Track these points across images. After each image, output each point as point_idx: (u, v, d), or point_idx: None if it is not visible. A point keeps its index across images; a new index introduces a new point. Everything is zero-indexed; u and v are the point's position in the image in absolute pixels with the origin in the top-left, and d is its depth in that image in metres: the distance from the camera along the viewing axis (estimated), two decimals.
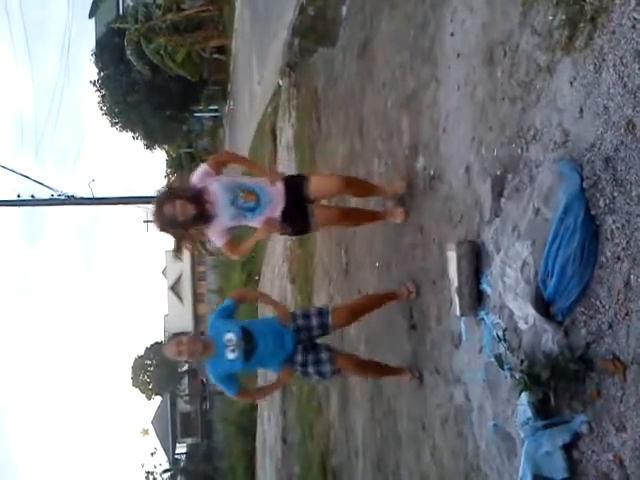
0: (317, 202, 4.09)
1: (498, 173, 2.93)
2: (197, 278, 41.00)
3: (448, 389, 3.54)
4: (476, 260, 3.13)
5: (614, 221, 2.17)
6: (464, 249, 3.16)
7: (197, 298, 41.18)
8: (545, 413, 2.43)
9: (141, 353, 40.27)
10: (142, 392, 40.32)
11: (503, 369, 2.81)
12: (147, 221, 27.99)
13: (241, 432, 18.31)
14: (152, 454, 31.29)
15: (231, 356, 3.80)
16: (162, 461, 31.76)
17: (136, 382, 39.98)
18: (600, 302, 2.23)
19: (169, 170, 36.68)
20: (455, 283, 3.21)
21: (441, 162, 3.71)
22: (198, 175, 3.84)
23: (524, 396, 2.53)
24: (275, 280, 12.52)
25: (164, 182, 35.36)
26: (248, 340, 3.82)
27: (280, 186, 3.91)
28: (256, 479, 16.17)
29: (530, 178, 2.67)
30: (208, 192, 3.77)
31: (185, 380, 39.50)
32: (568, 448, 2.32)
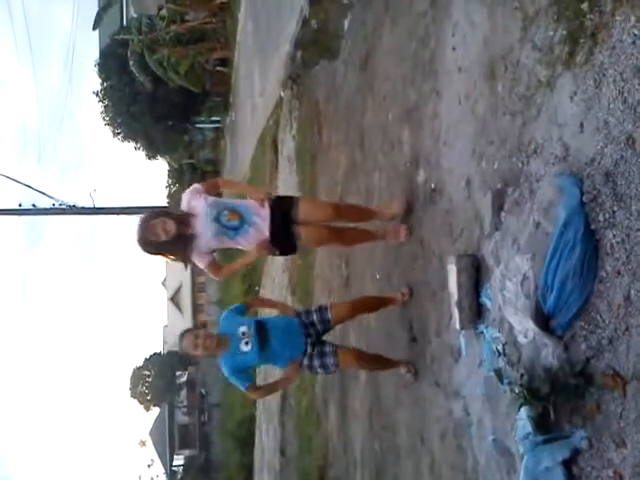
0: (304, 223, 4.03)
1: (498, 187, 2.94)
2: (197, 289, 40.95)
3: (447, 403, 3.53)
4: (476, 274, 3.13)
5: (614, 235, 2.17)
6: (464, 263, 3.16)
7: (197, 309, 41.12)
8: (545, 428, 2.42)
9: (140, 364, 40.12)
10: (140, 403, 40.13)
11: (502, 383, 2.79)
12: None
13: (239, 444, 18.22)
14: (149, 466, 31.13)
15: (245, 348, 3.88)
16: (159, 473, 31.55)
17: (134, 393, 39.80)
18: (600, 317, 2.23)
19: (170, 181, 36.75)
20: (455, 296, 3.21)
21: (442, 175, 3.72)
22: (187, 193, 3.93)
23: (523, 410, 2.52)
24: (275, 291, 12.49)
25: (165, 192, 35.41)
26: (262, 332, 3.91)
27: (266, 207, 3.91)
28: None
29: (530, 192, 2.68)
30: (193, 208, 3.84)
31: (184, 391, 39.32)
32: (568, 464, 2.31)
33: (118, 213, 20.07)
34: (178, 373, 38.48)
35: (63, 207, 17.81)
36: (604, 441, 2.15)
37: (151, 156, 31.26)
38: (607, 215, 2.20)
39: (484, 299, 3.08)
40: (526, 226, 2.68)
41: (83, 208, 18.41)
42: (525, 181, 2.72)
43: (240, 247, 4.03)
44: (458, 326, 3.23)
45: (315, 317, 4.07)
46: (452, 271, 3.22)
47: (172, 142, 30.15)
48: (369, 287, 5.36)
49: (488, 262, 3.03)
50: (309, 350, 3.99)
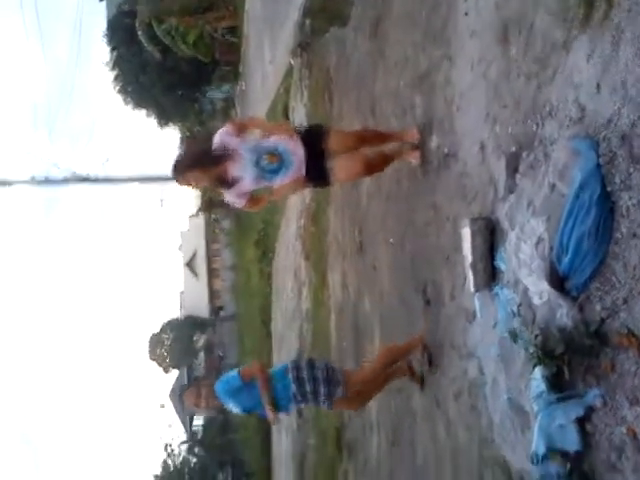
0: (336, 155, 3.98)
1: (513, 150, 2.93)
2: (212, 254, 41.21)
3: (462, 364, 3.58)
4: (490, 237, 3.14)
5: (630, 198, 2.17)
6: (478, 226, 3.18)
7: (212, 274, 41.42)
8: (559, 387, 2.46)
9: (158, 329, 40.73)
10: (159, 365, 40.87)
11: (517, 344, 2.84)
12: (161, 199, 28.11)
13: None
14: (169, 426, 31.84)
15: (235, 410, 4.30)
16: (179, 433, 32.31)
17: (153, 355, 40.52)
18: (615, 277, 2.25)
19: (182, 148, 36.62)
20: (469, 259, 3.23)
21: (455, 140, 3.71)
22: (220, 136, 3.80)
23: (538, 370, 2.56)
24: (289, 257, 12.59)
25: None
26: (249, 412, 4.33)
27: (300, 144, 3.85)
28: (272, 451, 16.45)
29: (545, 155, 2.67)
30: (231, 152, 3.77)
31: (201, 354, 39.95)
32: (581, 421, 2.36)
33: (131, 182, 20.10)
34: (195, 337, 39.03)
35: (76, 177, 17.88)
36: (618, 399, 2.20)
37: (162, 124, 31.17)
38: (623, 177, 2.20)
39: (498, 262, 3.10)
40: (541, 189, 2.68)
41: (96, 178, 18.48)
42: (540, 144, 2.71)
43: (275, 185, 4.03)
44: (473, 288, 3.26)
45: (322, 390, 4.14)
46: (466, 234, 3.24)
47: (183, 110, 30.00)
48: (383, 252, 5.39)
49: (502, 225, 3.05)
50: (300, 403, 4.23)
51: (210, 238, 39.35)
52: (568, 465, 2.38)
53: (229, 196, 3.96)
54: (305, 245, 10.74)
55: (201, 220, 37.75)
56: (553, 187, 2.60)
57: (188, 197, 33.63)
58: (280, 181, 3.92)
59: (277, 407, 4.16)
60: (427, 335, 4.18)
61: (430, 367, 4.14)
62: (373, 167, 4.22)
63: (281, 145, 3.85)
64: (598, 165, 2.30)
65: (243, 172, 3.80)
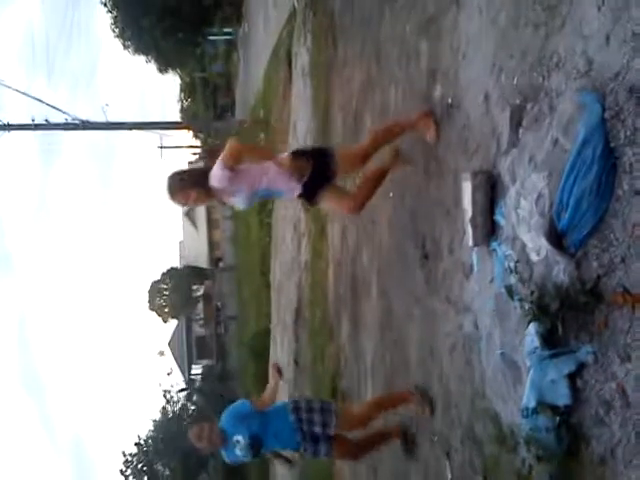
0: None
1: (517, 102, 2.87)
2: (211, 205, 41.17)
3: (458, 318, 3.60)
4: (491, 191, 3.11)
5: (634, 153, 2.13)
6: (479, 180, 3.14)
7: (212, 224, 41.48)
8: (552, 343, 2.48)
9: (157, 278, 41.04)
10: (158, 315, 41.40)
11: (513, 300, 2.84)
12: (161, 147, 27.85)
13: (254, 355, 18.84)
14: (169, 374, 32.44)
15: (239, 453, 4.38)
16: (178, 381, 32.95)
17: (152, 305, 40.97)
18: (614, 235, 2.23)
19: (183, 95, 36.13)
20: (469, 214, 3.21)
21: (459, 90, 3.63)
22: (219, 177, 3.79)
23: (532, 326, 2.57)
24: (289, 210, 12.55)
25: (178, 107, 34.86)
26: (256, 445, 4.35)
27: (295, 182, 3.88)
28: None
29: (550, 108, 2.61)
30: (226, 198, 3.94)
31: (200, 304, 40.40)
32: (573, 377, 2.38)
33: (131, 128, 19.91)
34: (194, 287, 39.40)
35: (76, 122, 17.67)
36: (609, 356, 2.21)
37: (162, 69, 30.63)
38: (628, 132, 2.15)
39: (498, 217, 3.07)
40: (544, 143, 2.63)
41: (96, 123, 18.27)
42: (545, 96, 2.65)
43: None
44: (471, 243, 3.25)
45: (317, 419, 4.31)
46: (467, 188, 3.20)
47: (183, 55, 29.45)
48: (382, 205, 5.36)
49: (504, 179, 3.01)
50: (301, 446, 4.37)
51: None
52: (557, 419, 2.42)
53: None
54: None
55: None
56: (556, 142, 2.56)
57: (187, 145, 33.28)
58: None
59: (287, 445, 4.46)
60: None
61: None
62: (361, 205, 4.21)
63: (275, 188, 3.93)
64: (603, 119, 2.24)
65: (236, 204, 4.04)
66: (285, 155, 3.97)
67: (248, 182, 3.85)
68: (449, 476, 3.72)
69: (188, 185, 3.87)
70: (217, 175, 3.80)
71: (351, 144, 4.74)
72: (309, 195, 4.01)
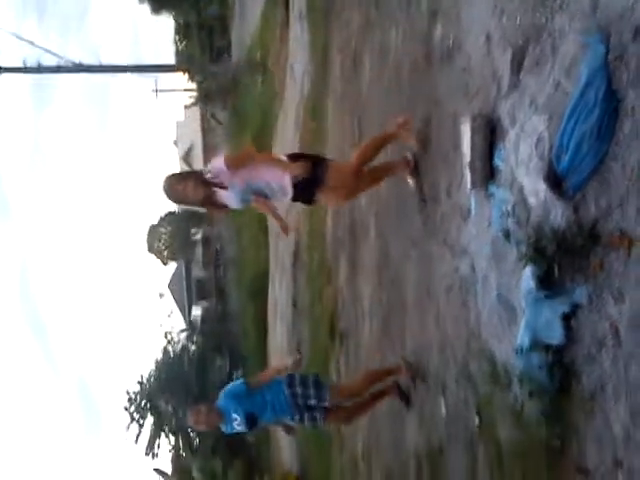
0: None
1: (519, 43, 2.83)
2: (208, 148, 40.78)
3: (454, 260, 3.65)
4: (490, 135, 3.10)
5: (637, 96, 2.12)
6: (478, 123, 3.12)
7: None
8: (548, 285, 2.53)
9: (155, 222, 41.04)
10: (158, 258, 41.60)
11: (510, 242, 2.88)
12: (156, 90, 27.35)
13: (254, 296, 19.09)
14: (169, 316, 32.89)
15: (238, 428, 4.68)
16: (179, 322, 33.45)
17: (152, 249, 41.12)
18: (613, 178, 2.24)
19: (178, 37, 35.21)
20: (467, 157, 3.21)
21: (460, 31, 3.56)
22: (217, 167, 3.96)
23: (528, 268, 2.62)
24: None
25: (172, 49, 34.02)
26: (252, 421, 4.64)
27: (290, 182, 3.96)
28: (268, 339, 17.10)
29: (553, 49, 2.58)
30: (220, 194, 4.00)
31: (199, 248, 40.56)
32: (567, 317, 2.44)
33: (125, 71, 19.50)
34: (193, 230, 39.45)
35: (68, 65, 17.29)
36: (604, 297, 2.26)
37: (155, 10, 29.71)
38: (631, 75, 2.13)
39: (497, 160, 3.08)
40: (545, 86, 2.61)
41: (89, 66, 17.87)
42: (548, 37, 2.61)
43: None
44: (469, 186, 3.26)
45: (312, 393, 4.57)
46: (466, 131, 3.19)
47: None
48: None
49: (503, 123, 2.99)
50: (298, 418, 4.66)
51: (206, 131, 38.74)
52: (550, 357, 2.49)
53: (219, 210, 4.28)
54: (303, 138, 10.61)
55: (197, 112, 36.98)
56: (558, 84, 2.53)
57: (183, 89, 32.66)
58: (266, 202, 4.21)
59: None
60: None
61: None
62: (356, 193, 4.50)
63: (270, 184, 4.01)
64: (606, 61, 2.22)
65: (229, 202, 4.09)
66: (284, 157, 4.12)
67: (242, 177, 3.95)
68: (444, 413, 3.85)
69: (186, 176, 4.10)
70: (216, 166, 3.98)
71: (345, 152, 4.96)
72: (303, 198, 4.17)
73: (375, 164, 4.40)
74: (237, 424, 4.61)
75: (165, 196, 4.07)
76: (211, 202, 4.07)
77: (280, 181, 3.99)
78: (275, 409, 4.61)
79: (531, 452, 2.70)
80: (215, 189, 3.99)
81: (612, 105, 2.22)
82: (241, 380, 4.93)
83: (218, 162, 3.99)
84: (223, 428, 4.73)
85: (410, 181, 4.32)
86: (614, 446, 2.16)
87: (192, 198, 4.02)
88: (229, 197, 4.04)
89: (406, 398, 4.61)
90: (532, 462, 2.70)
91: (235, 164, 3.95)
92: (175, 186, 4.00)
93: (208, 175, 3.97)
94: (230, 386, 4.82)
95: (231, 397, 4.64)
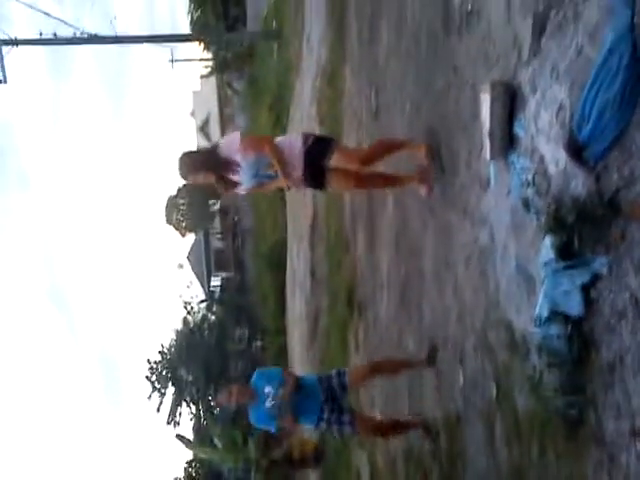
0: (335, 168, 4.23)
1: (541, 9, 2.76)
2: (225, 119, 40.65)
3: (474, 230, 3.63)
4: (510, 103, 3.05)
5: None
6: (498, 91, 3.07)
7: None
8: (567, 255, 2.50)
9: (173, 194, 41.21)
10: (176, 229, 41.88)
11: (529, 212, 2.85)
12: (172, 60, 27.20)
13: (272, 267, 19.21)
14: (188, 287, 33.25)
15: (268, 405, 4.56)
16: (198, 292, 33.82)
17: (170, 220, 41.38)
18: (635, 147, 2.20)
19: (193, 6, 34.86)
20: (487, 126, 3.16)
21: None
22: (228, 144, 4.12)
23: (548, 239, 2.59)
24: (303, 123, 12.38)
25: (188, 19, 33.69)
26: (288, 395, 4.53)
27: (301, 159, 4.08)
28: (286, 310, 17.26)
29: (575, 14, 2.51)
30: (234, 162, 4.09)
31: (217, 219, 40.73)
32: (586, 288, 2.42)
33: (141, 41, 19.40)
34: (211, 201, 39.59)
35: (84, 36, 17.24)
36: (624, 267, 2.24)
37: None
38: None
39: (517, 129, 3.03)
40: (567, 52, 2.55)
41: (105, 37, 17.81)
42: (571, 1, 2.54)
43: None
44: (488, 156, 3.22)
45: (334, 382, 4.57)
46: (485, 100, 3.14)
47: None
48: (399, 120, 5.28)
49: (524, 91, 2.94)
50: (326, 416, 4.53)
51: (223, 101, 38.57)
52: (569, 327, 2.49)
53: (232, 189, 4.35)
54: (320, 109, 10.53)
55: (213, 82, 36.77)
56: (580, 51, 2.48)
57: (199, 58, 32.42)
58: (277, 181, 4.29)
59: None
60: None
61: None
62: (365, 185, 4.66)
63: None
64: (632, 25, 2.16)
65: (242, 180, 4.18)
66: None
67: (254, 149, 4.08)
68: (461, 382, 3.88)
69: (199, 166, 4.14)
70: (229, 142, 4.13)
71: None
72: (313, 180, 4.24)
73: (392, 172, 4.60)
74: (269, 400, 4.57)
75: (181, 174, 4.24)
76: (224, 180, 4.19)
77: (291, 152, 4.08)
78: (304, 403, 4.57)
79: (549, 422, 2.71)
80: (227, 174, 4.13)
81: (636, 72, 2.17)
82: (279, 369, 5.01)
83: (234, 140, 4.11)
84: (251, 414, 4.68)
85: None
86: (632, 417, 2.16)
87: (204, 182, 4.28)
88: (241, 175, 4.14)
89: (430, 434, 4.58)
90: (550, 432, 2.72)
91: (251, 148, 4.07)
92: (187, 175, 4.20)
93: (221, 147, 4.12)
94: (265, 369, 4.93)
95: (266, 375, 4.71)
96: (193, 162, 4.17)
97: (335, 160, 4.17)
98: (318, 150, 4.13)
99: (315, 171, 4.17)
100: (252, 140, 4.30)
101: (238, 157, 4.07)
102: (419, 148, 4.34)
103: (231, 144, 4.13)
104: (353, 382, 4.74)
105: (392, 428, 4.92)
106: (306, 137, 4.20)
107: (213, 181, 4.21)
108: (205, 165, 4.14)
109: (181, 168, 4.16)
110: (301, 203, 13.04)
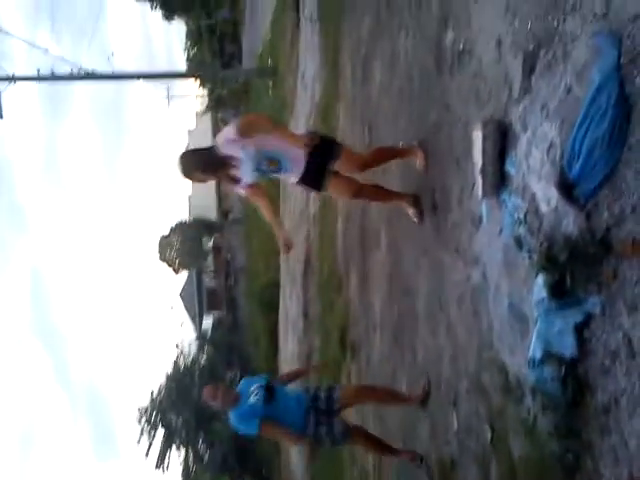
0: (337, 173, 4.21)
1: (531, 48, 2.78)
2: None
3: (466, 269, 3.59)
4: (502, 141, 3.05)
5: None
6: (489, 129, 3.07)
7: None
8: (560, 294, 2.46)
9: (166, 234, 41.23)
10: (169, 266, 41.74)
11: (521, 250, 2.82)
12: (168, 97, 27.52)
13: (264, 306, 19.03)
14: (180, 326, 32.99)
15: (252, 400, 4.43)
16: (190, 332, 33.50)
17: (163, 257, 41.29)
18: (625, 185, 2.18)
19: (189, 43, 35.52)
20: (479, 163, 3.16)
21: (471, 35, 3.52)
22: (224, 139, 3.97)
23: (540, 277, 2.56)
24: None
25: (184, 56, 34.30)
26: (270, 390, 4.49)
27: (304, 155, 4.02)
28: (279, 350, 17.04)
29: (564, 53, 2.53)
30: (233, 158, 3.97)
31: (210, 257, 40.68)
32: (579, 328, 2.37)
33: (138, 78, 19.66)
34: (204, 239, 39.60)
35: (81, 73, 17.47)
36: (617, 307, 2.19)
37: (167, 16, 29.98)
38: None
39: (508, 167, 3.02)
40: (557, 91, 2.56)
41: (102, 74, 18.05)
42: (560, 41, 2.56)
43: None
44: (480, 193, 3.21)
45: (322, 394, 4.53)
46: (477, 137, 3.14)
47: (189, 0, 28.80)
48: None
49: (515, 128, 2.95)
50: (312, 429, 4.43)
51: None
52: (563, 369, 2.43)
53: (233, 188, 4.30)
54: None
55: (209, 120, 37.19)
56: (569, 90, 2.48)
57: (195, 95, 32.87)
58: (279, 177, 4.30)
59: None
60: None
61: None
62: (361, 196, 4.54)
63: (282, 154, 4.03)
64: (619, 65, 2.17)
65: (243, 175, 4.07)
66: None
67: (254, 142, 3.94)
68: (455, 425, 3.78)
69: (199, 165, 4.05)
70: (224, 136, 3.97)
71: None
72: (313, 182, 4.20)
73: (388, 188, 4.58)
74: (254, 394, 4.45)
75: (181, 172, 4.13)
76: (227, 175, 4.10)
77: (293, 151, 4.00)
78: (291, 405, 4.48)
79: (545, 468, 2.63)
80: (227, 171, 4.02)
81: (624, 110, 2.17)
82: (265, 375, 4.87)
83: (228, 132, 3.95)
84: (232, 416, 4.51)
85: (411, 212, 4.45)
86: (630, 461, 2.08)
87: (204, 182, 4.28)
88: (242, 170, 4.03)
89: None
90: (546, 478, 2.63)
91: (247, 130, 3.91)
92: (189, 174, 4.09)
93: (219, 146, 3.98)
94: (254, 376, 4.81)
95: (253, 380, 4.64)
96: (193, 161, 4.08)
97: (337, 165, 4.12)
98: (323, 150, 4.06)
99: (317, 171, 4.10)
100: (248, 119, 4.16)
101: (237, 149, 3.93)
102: (416, 154, 4.33)
103: (227, 136, 3.97)
104: (343, 399, 4.59)
105: (382, 447, 4.86)
106: (312, 135, 4.11)
107: (213, 179, 4.21)
108: (205, 163, 4.04)
109: (182, 167, 4.05)
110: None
